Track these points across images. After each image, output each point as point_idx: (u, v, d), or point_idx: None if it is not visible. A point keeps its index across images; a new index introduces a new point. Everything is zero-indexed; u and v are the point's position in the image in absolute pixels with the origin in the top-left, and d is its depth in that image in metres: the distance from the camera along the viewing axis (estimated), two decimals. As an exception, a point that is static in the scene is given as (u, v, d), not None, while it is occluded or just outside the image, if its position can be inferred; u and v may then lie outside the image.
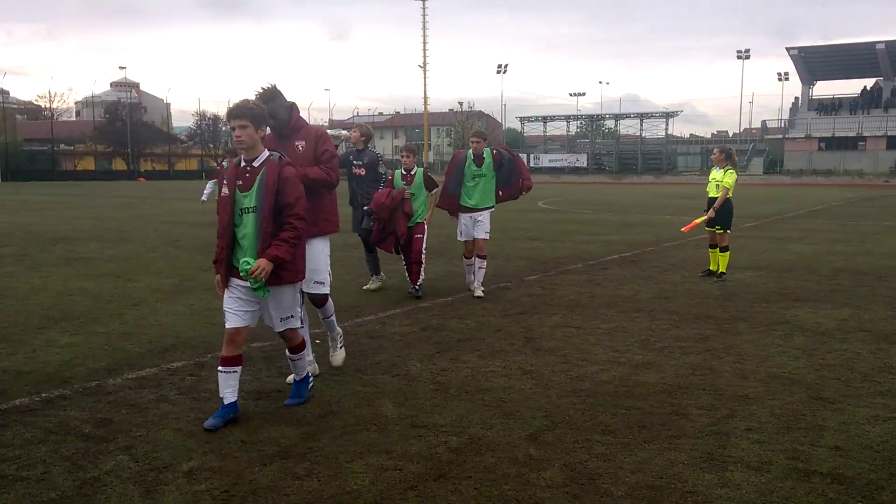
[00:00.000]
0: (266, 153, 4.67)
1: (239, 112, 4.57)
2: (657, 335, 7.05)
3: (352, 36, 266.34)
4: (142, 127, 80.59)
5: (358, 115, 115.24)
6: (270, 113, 5.13)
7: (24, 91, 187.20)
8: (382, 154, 10.20)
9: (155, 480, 3.85)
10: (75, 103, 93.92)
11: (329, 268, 5.73)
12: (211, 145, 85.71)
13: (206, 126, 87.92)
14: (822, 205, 30.74)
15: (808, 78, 77.21)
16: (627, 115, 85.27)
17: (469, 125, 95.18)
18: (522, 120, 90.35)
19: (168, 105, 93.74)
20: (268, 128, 4.98)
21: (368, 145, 9.84)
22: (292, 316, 4.90)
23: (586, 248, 14.26)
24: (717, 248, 10.48)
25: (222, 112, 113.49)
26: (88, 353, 6.29)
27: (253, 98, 4.86)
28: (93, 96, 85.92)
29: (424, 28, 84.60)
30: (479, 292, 9.12)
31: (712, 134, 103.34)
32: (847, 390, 5.32)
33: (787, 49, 76.16)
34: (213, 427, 4.50)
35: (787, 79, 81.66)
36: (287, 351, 5.05)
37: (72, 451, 4.22)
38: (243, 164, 4.68)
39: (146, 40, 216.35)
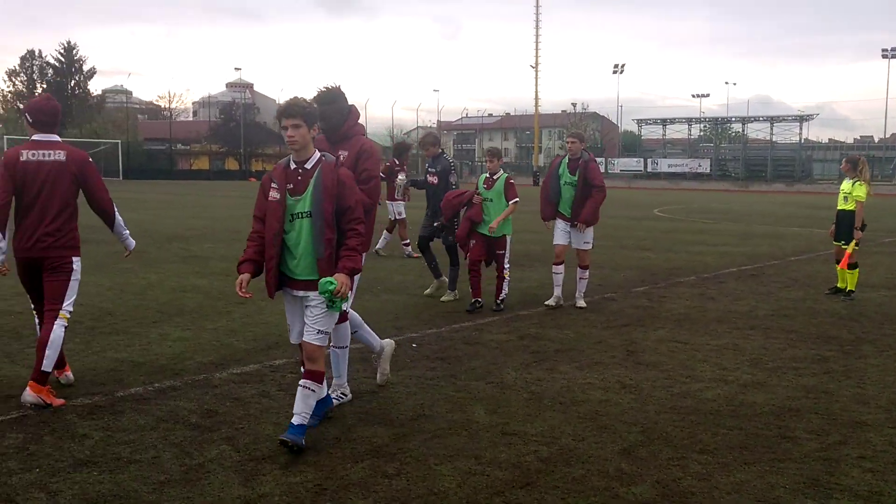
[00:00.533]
0: (318, 154, 4.53)
1: (292, 110, 4.44)
2: (771, 354, 6.91)
3: (462, 35, 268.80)
4: (254, 127, 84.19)
5: (467, 116, 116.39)
6: (322, 115, 5.00)
7: (145, 91, 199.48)
8: (455, 162, 10.22)
9: (254, 470, 4.16)
10: (192, 103, 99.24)
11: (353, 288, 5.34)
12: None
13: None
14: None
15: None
16: (756, 118, 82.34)
17: (582, 127, 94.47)
18: (640, 122, 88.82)
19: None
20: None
21: (442, 152, 9.94)
22: (327, 332, 4.61)
23: (702, 260, 13.98)
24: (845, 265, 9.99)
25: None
26: (198, 348, 6.77)
27: (312, 96, 4.80)
28: (209, 97, 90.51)
29: (537, 26, 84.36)
30: (581, 302, 9.10)
31: (854, 139, 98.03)
32: (978, 422, 5.09)
33: (942, 47, 71.46)
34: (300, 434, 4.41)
35: (940, 80, 76.68)
36: (304, 376, 4.57)
37: (180, 438, 4.61)
38: (293, 165, 4.53)
39: (261, 41, 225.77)
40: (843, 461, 4.40)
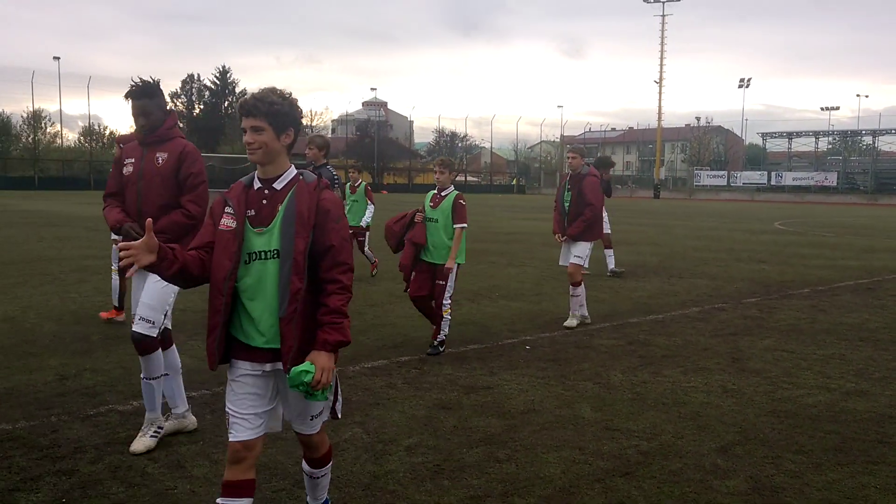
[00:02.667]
0: (293, 171, 3.10)
1: (251, 108, 2.98)
2: (877, 365, 6.75)
3: (585, 52, 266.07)
4: (387, 143, 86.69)
5: (590, 131, 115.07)
6: (142, 110, 4.43)
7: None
8: (338, 176, 8.95)
9: (382, 451, 4.56)
10: (331, 121, 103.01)
11: (169, 308, 4.54)
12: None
13: (445, 142, 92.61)
14: None
15: None
16: (889, 131, 77.28)
17: (706, 141, 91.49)
18: (764, 136, 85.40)
19: (411, 123, 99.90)
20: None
21: (327, 161, 8.82)
22: (322, 412, 3.26)
23: (817, 273, 13.51)
24: None
25: (460, 129, 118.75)
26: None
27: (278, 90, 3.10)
28: (346, 115, 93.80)
29: (662, 43, 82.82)
30: (570, 321, 8.33)
31: None
32: None
33: None
34: None
35: None
36: (305, 464, 3.46)
37: (318, 420, 5.08)
38: (257, 185, 3.07)
39: (395, 62, 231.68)
40: (939, 467, 4.35)
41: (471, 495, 3.95)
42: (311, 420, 3.23)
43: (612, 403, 5.55)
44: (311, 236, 2.96)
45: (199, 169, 4.59)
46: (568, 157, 8.56)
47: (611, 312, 9.25)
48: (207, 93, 78.94)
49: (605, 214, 13.05)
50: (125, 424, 4.93)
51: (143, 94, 4.45)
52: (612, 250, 13.18)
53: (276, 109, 2.99)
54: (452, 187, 7.11)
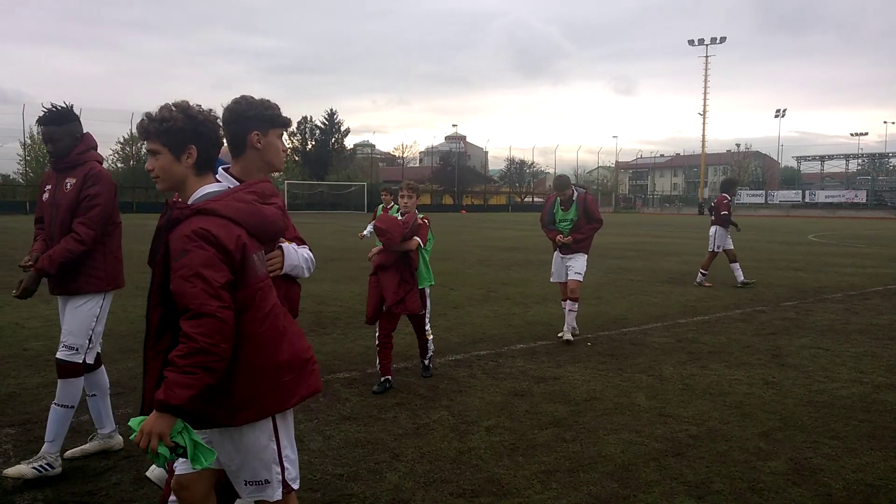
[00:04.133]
0: (203, 191, 2.28)
1: (143, 130, 2.28)
2: (908, 362, 6.36)
3: (636, 90, 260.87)
4: (466, 171, 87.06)
5: (641, 157, 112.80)
6: (48, 136, 3.73)
7: (384, 144, 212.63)
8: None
9: (465, 430, 4.58)
10: (419, 153, 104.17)
11: (93, 333, 3.84)
12: (517, 184, 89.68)
13: (515, 169, 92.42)
14: None
15: None
16: (915, 153, 72.83)
17: (745, 164, 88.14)
18: (799, 159, 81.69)
19: (486, 153, 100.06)
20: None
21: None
22: (267, 481, 2.32)
23: (849, 280, 12.82)
24: None
25: (528, 157, 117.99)
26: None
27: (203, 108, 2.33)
28: (432, 147, 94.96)
29: (706, 79, 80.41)
30: (567, 336, 7.23)
31: None
32: None
33: None
34: None
35: None
36: None
37: (412, 404, 5.15)
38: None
39: (472, 103, 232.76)
40: (968, 454, 4.07)
41: (542, 470, 3.93)
42: (245, 486, 2.33)
43: (664, 393, 5.42)
44: (164, 275, 2.16)
45: (98, 192, 3.75)
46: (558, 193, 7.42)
47: (662, 314, 9.02)
48: (318, 131, 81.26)
49: (725, 231, 12.56)
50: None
51: (50, 121, 3.73)
52: (737, 263, 12.34)
53: (169, 127, 2.23)
54: (416, 211, 5.74)
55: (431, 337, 6.01)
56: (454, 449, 4.24)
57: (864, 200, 69.56)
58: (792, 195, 74.60)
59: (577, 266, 7.40)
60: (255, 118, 2.48)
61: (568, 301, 7.41)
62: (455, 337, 7.52)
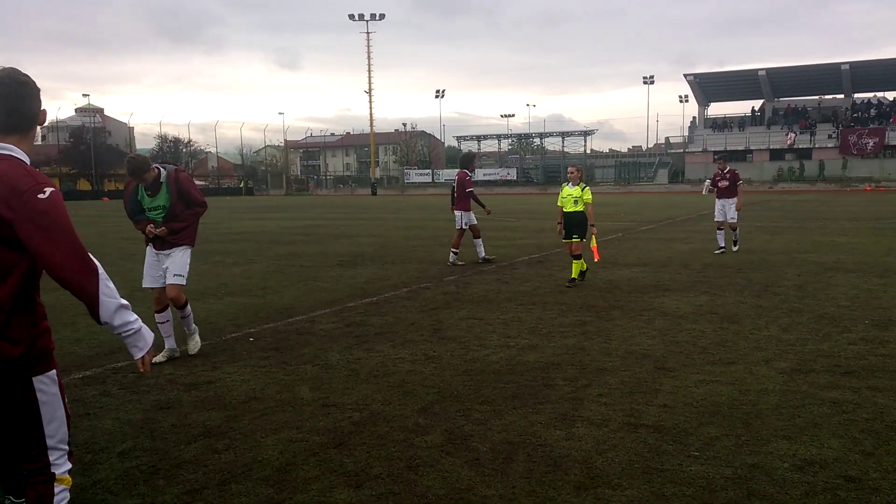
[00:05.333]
0: None
1: None
2: (545, 323, 7.46)
3: (301, 64, 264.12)
4: (105, 150, 78.83)
5: (311, 136, 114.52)
6: None
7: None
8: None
9: (91, 461, 4.04)
10: (39, 129, 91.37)
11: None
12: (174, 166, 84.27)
13: (168, 148, 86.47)
14: (711, 210, 31.81)
15: (704, 100, 79.74)
16: (551, 134, 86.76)
17: (412, 144, 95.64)
18: (459, 139, 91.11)
19: (131, 129, 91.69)
20: None
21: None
22: None
23: (502, 251, 14.71)
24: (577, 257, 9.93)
25: (183, 134, 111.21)
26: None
27: None
28: (57, 121, 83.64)
29: (369, 57, 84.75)
30: (162, 358, 6.17)
31: (628, 149, 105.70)
32: (686, 361, 5.80)
33: (685, 75, 78.63)
34: None
35: (686, 101, 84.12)
36: None
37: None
38: None
39: (110, 69, 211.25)
40: (586, 399, 4.89)
41: (187, 490, 3.64)
42: None
43: (329, 382, 5.48)
44: None
45: None
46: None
47: (331, 300, 9.20)
48: None
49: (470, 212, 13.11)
50: None
51: None
52: (480, 240, 13.15)
53: None
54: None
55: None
56: (75, 487, 3.67)
57: (515, 178, 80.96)
58: (455, 174, 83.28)
59: (176, 265, 6.26)
60: None
61: (164, 312, 6.32)
62: (84, 350, 6.66)
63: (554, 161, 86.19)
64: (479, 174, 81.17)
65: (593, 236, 10.13)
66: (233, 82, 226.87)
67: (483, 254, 13.10)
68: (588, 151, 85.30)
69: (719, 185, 14.16)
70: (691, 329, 6.99)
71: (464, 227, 13.15)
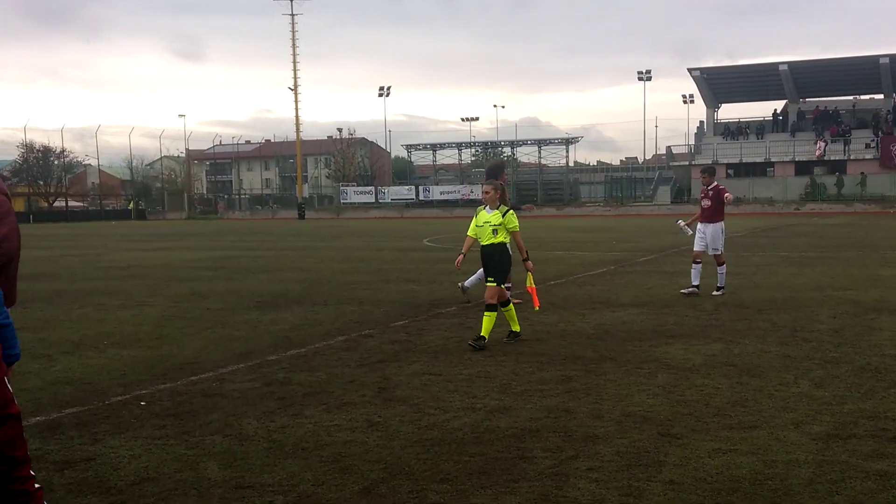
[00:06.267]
0: None
1: None
2: (520, 379, 7.53)
3: (206, 54, 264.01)
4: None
5: (220, 144, 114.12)
6: None
7: None
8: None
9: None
10: None
11: None
12: (41, 182, 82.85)
13: (35, 160, 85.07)
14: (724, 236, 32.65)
15: (713, 100, 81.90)
16: (525, 142, 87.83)
17: (350, 154, 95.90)
18: (409, 148, 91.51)
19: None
20: None
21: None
22: None
23: (465, 290, 14.79)
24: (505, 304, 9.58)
25: (55, 142, 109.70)
26: None
27: None
28: None
29: (294, 45, 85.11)
30: None
31: (621, 161, 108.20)
32: (697, 425, 5.91)
33: (689, 70, 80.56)
34: None
35: (692, 101, 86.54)
36: None
37: None
38: None
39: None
40: (573, 474, 4.94)
41: None
42: None
43: (245, 457, 5.44)
44: None
45: None
46: None
47: (247, 351, 9.14)
48: None
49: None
50: None
51: None
52: None
53: None
54: None
55: None
56: None
57: (480, 197, 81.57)
58: (405, 192, 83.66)
59: None
60: None
61: None
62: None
63: (528, 176, 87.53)
64: (436, 192, 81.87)
65: (530, 274, 9.77)
66: (119, 76, 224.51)
67: (468, 284, 12.81)
68: (571, 164, 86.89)
69: (702, 205, 14.08)
70: (703, 385, 7.13)
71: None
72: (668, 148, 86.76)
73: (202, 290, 15.26)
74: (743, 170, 74.46)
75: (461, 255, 9.87)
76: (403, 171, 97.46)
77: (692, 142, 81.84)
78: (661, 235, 32.08)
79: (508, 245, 9.67)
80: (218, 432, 6.01)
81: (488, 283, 9.50)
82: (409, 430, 5.99)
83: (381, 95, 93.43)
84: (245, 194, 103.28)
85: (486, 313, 9.25)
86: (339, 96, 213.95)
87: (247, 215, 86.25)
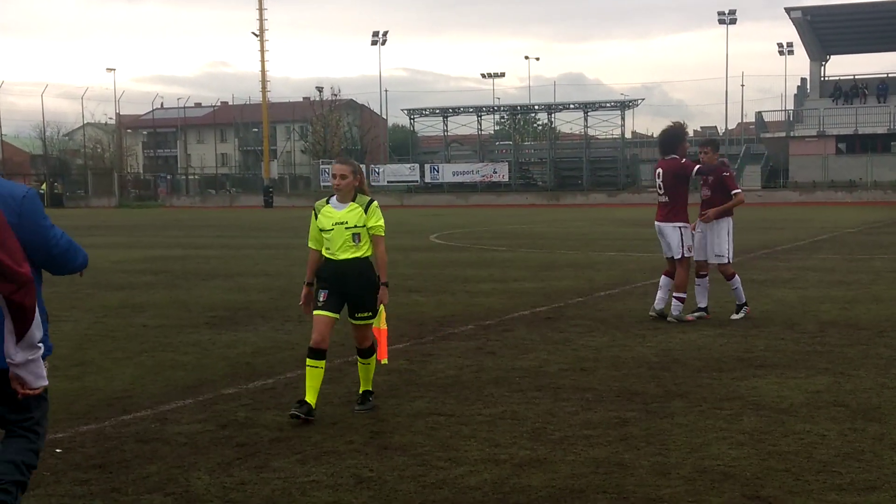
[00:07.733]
0: None
1: None
2: (558, 421, 7.54)
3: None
4: None
5: (162, 108, 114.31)
6: None
7: None
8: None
9: None
10: None
11: None
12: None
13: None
14: (832, 232, 32.68)
15: (819, 51, 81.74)
16: (567, 106, 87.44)
17: (333, 121, 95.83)
18: (412, 113, 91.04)
19: None
20: None
21: None
22: None
23: (485, 302, 14.84)
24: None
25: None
26: None
27: None
28: None
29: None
30: None
31: (694, 131, 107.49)
32: (795, 486, 5.90)
33: (788, 9, 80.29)
34: None
35: (790, 53, 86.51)
36: None
37: None
38: None
39: None
40: (629, 550, 4.95)
41: None
42: None
43: (193, 522, 5.49)
44: None
45: None
46: None
47: (196, 382, 9.20)
48: None
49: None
50: None
51: None
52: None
53: None
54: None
55: None
56: None
57: (507, 178, 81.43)
58: (406, 172, 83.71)
59: None
60: None
61: None
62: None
63: (571, 151, 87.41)
64: (447, 172, 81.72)
65: (382, 310, 8.29)
66: (28, 19, 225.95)
67: (675, 312, 12.53)
68: (628, 135, 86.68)
69: (701, 194, 13.27)
70: (803, 432, 7.12)
71: (685, 254, 12.76)
72: (759, 115, 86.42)
73: (137, 301, 15.31)
74: (859, 143, 74.24)
75: (306, 288, 8.44)
76: (404, 145, 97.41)
77: (790, 106, 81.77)
78: (749, 232, 31.97)
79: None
80: (157, 489, 6.05)
81: (360, 319, 8.24)
82: (409, 488, 6.00)
83: (374, 44, 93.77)
84: (194, 174, 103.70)
85: (360, 362, 8.40)
86: (319, 45, 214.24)
87: (197, 202, 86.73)
